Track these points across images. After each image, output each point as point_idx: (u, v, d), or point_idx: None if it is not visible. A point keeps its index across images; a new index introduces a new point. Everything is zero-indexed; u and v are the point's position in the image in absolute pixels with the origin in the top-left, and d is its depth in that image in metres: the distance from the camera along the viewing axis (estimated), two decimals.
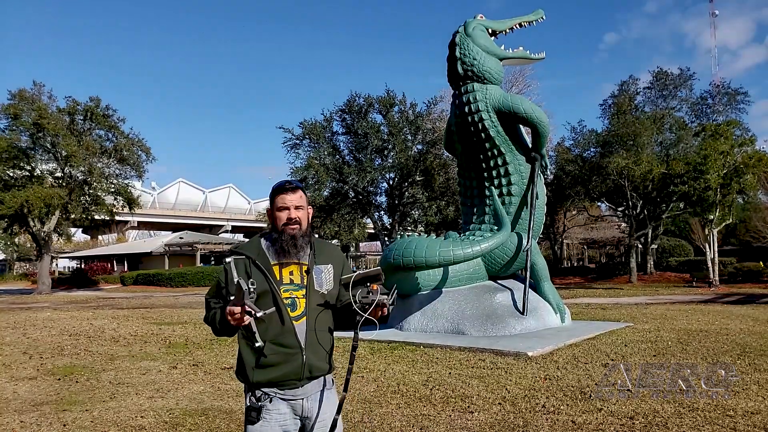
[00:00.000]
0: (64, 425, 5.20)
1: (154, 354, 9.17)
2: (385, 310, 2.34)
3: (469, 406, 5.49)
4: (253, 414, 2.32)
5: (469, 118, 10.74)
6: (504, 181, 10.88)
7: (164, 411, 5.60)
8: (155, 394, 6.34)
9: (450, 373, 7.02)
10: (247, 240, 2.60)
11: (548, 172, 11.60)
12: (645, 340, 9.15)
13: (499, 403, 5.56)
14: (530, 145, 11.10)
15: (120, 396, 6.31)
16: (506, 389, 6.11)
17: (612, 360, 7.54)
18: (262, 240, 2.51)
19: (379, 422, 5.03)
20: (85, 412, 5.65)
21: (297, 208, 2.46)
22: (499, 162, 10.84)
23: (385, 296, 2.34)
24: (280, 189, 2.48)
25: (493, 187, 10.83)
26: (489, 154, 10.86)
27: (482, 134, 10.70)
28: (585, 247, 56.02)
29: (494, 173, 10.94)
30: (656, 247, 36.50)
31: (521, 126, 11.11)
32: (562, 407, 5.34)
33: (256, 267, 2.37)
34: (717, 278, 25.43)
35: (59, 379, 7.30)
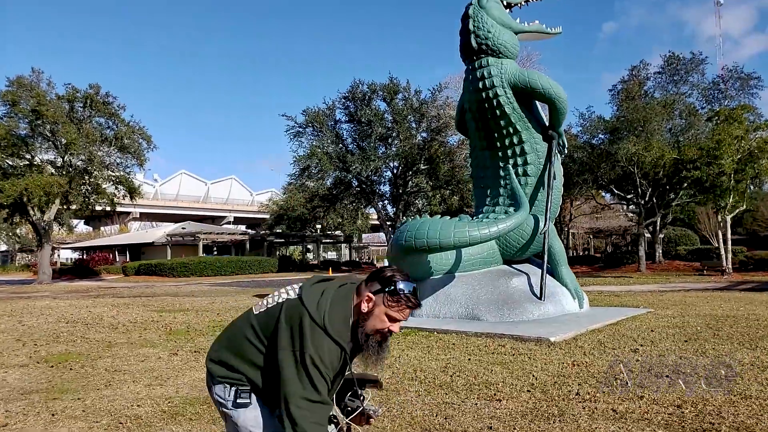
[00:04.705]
0: (53, 414, 4.74)
1: (154, 341, 8.72)
2: (371, 421, 2.28)
3: (495, 394, 5.02)
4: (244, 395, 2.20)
5: (483, 95, 10.21)
6: (520, 160, 10.38)
7: (163, 399, 5.14)
8: (153, 382, 5.88)
9: (470, 359, 6.56)
10: (318, 299, 2.10)
11: (565, 151, 11.06)
12: (671, 326, 8.68)
13: (528, 391, 5.09)
14: (547, 123, 10.61)
15: (116, 384, 5.85)
16: (533, 376, 5.64)
17: (641, 345, 7.07)
18: (344, 326, 2.12)
19: (399, 411, 4.56)
20: (77, 400, 5.19)
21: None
22: (515, 140, 10.33)
23: (373, 408, 2.26)
24: (408, 300, 2.11)
25: (509, 166, 10.33)
26: (504, 132, 10.33)
27: (497, 111, 10.17)
28: (591, 236, 55.48)
29: (509, 152, 10.43)
30: (662, 236, 35.99)
31: (537, 102, 10.62)
32: (598, 395, 4.87)
33: (345, 360, 2.14)
34: (730, 266, 24.91)
35: (52, 367, 6.85)
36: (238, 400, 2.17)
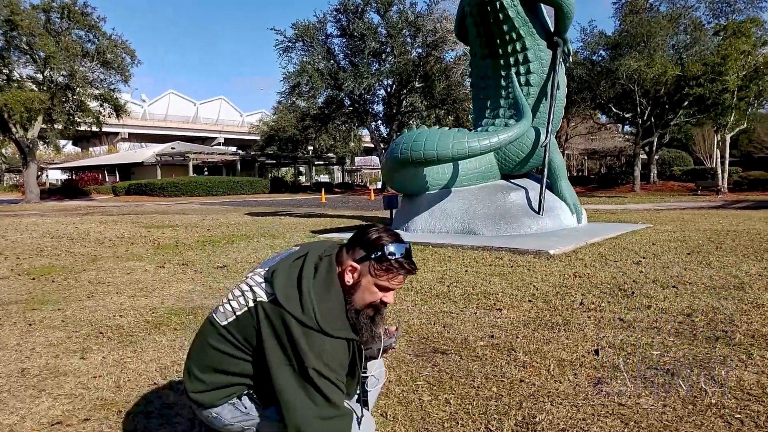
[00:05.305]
0: (30, 324, 4.50)
1: (141, 254, 8.46)
2: (395, 346, 2.09)
3: (495, 303, 4.81)
4: None
5: None
6: (522, 69, 9.78)
7: (146, 310, 4.90)
8: (138, 293, 5.64)
9: (466, 271, 6.34)
10: (298, 297, 1.69)
11: (570, 59, 10.45)
12: (672, 240, 8.48)
13: (529, 300, 4.88)
14: (552, 29, 9.94)
15: (98, 295, 5.60)
16: (533, 286, 5.43)
17: (643, 258, 6.87)
18: (341, 312, 1.76)
19: (395, 320, 4.34)
20: (57, 311, 4.95)
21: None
22: (518, 47, 9.69)
23: (391, 340, 2.05)
24: (401, 265, 1.75)
25: (511, 74, 9.76)
26: (506, 38, 9.67)
27: (500, 15, 9.46)
28: (585, 158, 55.13)
29: (512, 60, 9.82)
30: (657, 158, 35.66)
31: (543, 6, 9.91)
32: (603, 304, 4.66)
33: (357, 349, 1.84)
34: (725, 185, 24.76)
35: (33, 279, 6.59)
36: (260, 401, 1.83)
